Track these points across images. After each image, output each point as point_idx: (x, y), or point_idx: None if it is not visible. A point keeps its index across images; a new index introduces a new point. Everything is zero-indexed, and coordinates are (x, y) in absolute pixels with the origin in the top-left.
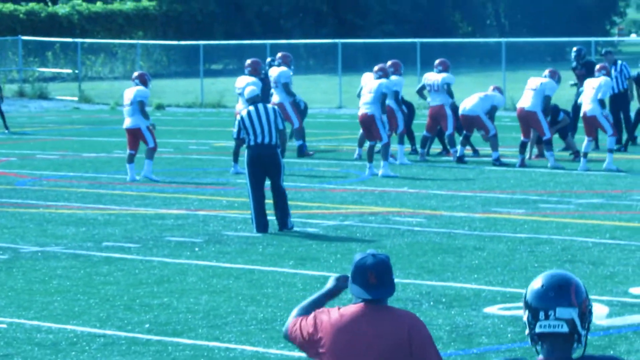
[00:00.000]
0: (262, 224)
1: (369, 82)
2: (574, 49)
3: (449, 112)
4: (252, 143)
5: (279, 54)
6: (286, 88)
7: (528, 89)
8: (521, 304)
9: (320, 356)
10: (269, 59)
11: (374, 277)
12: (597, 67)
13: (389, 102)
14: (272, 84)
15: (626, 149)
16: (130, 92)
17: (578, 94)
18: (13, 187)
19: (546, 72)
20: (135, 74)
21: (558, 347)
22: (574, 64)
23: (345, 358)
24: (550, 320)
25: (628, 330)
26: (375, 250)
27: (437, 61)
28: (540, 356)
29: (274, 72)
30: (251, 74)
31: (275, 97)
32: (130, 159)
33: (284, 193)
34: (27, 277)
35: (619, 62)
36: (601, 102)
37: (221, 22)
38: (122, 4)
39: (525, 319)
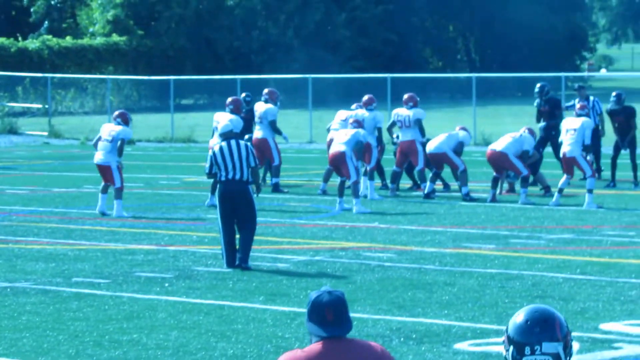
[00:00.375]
0: (232, 259)
1: (342, 130)
2: (538, 85)
3: (419, 147)
4: (223, 179)
5: (266, 90)
6: (273, 125)
7: (506, 136)
8: (492, 340)
9: None
10: (243, 95)
11: (331, 315)
12: (578, 106)
13: (369, 138)
14: (256, 119)
15: (615, 184)
16: (113, 129)
17: (541, 129)
18: None
19: (524, 129)
20: (116, 113)
21: None
22: (537, 100)
23: None
24: (537, 355)
25: None
26: (331, 287)
27: (405, 96)
28: None
29: (260, 108)
30: (233, 112)
31: (259, 133)
32: (104, 189)
33: (253, 230)
34: None
35: (591, 97)
36: (586, 148)
37: (192, 58)
38: (92, 39)
39: (508, 354)
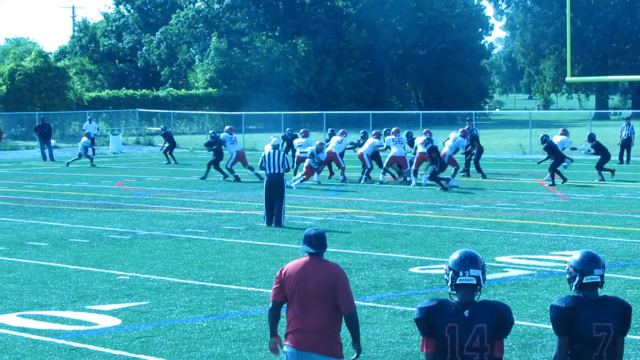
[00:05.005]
0: (270, 221)
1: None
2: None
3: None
4: (268, 172)
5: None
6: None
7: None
8: (431, 267)
9: (286, 289)
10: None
11: (315, 241)
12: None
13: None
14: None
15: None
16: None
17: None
18: (133, 197)
19: (452, 134)
20: (222, 130)
21: (468, 293)
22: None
23: (300, 287)
24: (466, 277)
25: (493, 282)
26: (317, 227)
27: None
28: (456, 299)
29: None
30: (304, 136)
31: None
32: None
33: (282, 203)
34: (141, 249)
35: (473, 125)
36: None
37: (254, 101)
38: (196, 90)
39: (448, 277)
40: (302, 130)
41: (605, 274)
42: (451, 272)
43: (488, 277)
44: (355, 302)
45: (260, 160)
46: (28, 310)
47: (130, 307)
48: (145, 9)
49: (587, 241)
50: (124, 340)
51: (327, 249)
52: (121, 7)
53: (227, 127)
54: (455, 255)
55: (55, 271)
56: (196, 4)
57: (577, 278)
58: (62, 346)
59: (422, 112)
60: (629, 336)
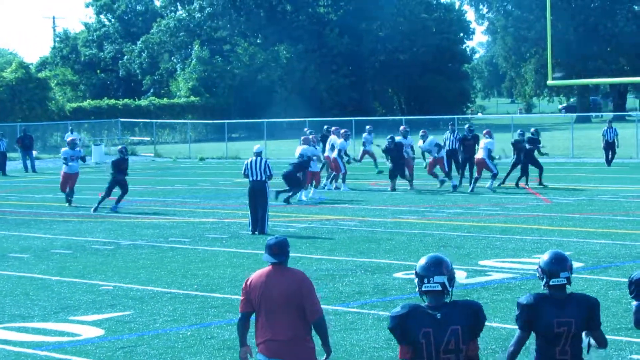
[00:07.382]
0: (254, 228)
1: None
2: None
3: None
4: (250, 179)
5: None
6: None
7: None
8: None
9: (253, 299)
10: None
11: (276, 249)
12: (484, 132)
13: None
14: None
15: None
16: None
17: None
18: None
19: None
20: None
21: (437, 298)
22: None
23: (265, 297)
24: (431, 284)
25: (477, 286)
26: (279, 235)
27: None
28: (426, 303)
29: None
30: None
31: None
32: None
33: (265, 210)
34: (125, 259)
35: (456, 130)
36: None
37: (237, 109)
38: (178, 99)
39: (416, 282)
40: (343, 131)
41: (588, 276)
42: (417, 278)
43: (472, 280)
44: (340, 307)
45: (243, 168)
46: (10, 322)
47: (113, 317)
48: (126, 18)
49: (570, 243)
50: (107, 350)
51: (312, 256)
52: (102, 16)
53: (69, 139)
54: (422, 261)
55: (37, 282)
56: (177, 13)
57: (545, 279)
58: (45, 358)
59: (405, 117)
60: (608, 337)
